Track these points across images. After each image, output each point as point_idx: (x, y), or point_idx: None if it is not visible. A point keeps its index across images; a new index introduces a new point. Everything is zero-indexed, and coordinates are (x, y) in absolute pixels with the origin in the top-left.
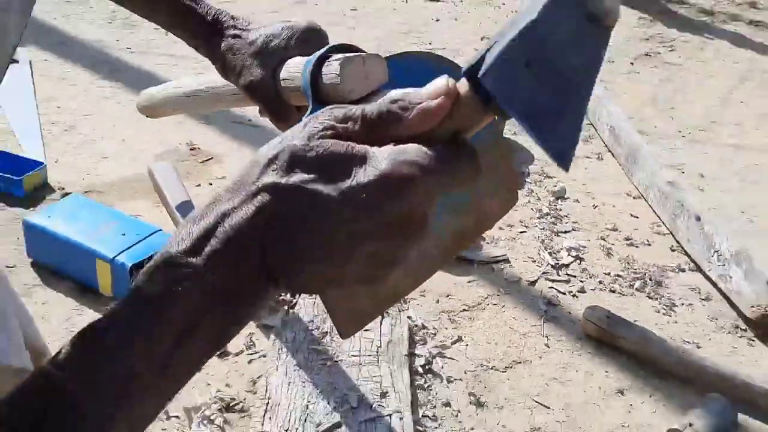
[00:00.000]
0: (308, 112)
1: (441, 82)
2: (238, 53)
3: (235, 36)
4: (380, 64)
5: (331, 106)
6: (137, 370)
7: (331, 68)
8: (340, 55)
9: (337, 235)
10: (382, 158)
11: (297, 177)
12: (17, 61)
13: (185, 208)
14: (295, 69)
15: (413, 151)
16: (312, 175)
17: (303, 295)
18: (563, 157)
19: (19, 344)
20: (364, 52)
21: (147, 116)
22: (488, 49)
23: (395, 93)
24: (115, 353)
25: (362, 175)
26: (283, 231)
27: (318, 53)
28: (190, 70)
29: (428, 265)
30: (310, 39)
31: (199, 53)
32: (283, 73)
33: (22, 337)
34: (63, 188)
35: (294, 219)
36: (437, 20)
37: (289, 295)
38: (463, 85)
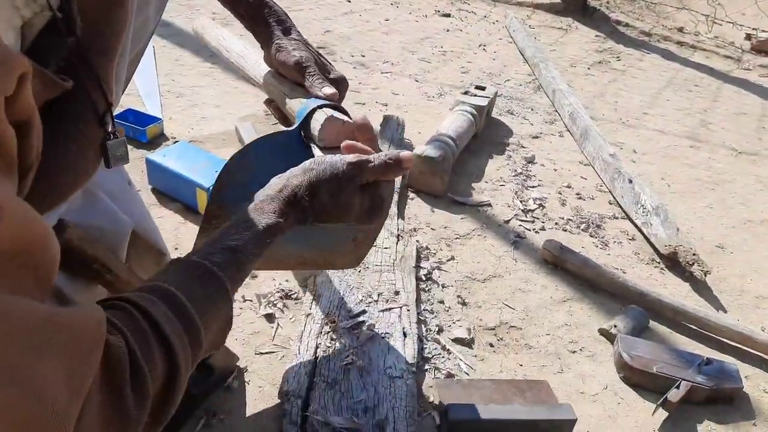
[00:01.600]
0: (292, 127)
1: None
2: (284, 50)
3: (280, 44)
4: (349, 133)
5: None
6: (249, 269)
7: (318, 118)
8: (330, 112)
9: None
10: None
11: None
12: None
13: None
14: (300, 106)
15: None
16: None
17: None
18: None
19: (156, 231)
20: (350, 119)
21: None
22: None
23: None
24: (246, 264)
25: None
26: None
27: (320, 102)
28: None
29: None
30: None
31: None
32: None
33: (157, 229)
34: (174, 137)
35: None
36: (447, 30)
37: None
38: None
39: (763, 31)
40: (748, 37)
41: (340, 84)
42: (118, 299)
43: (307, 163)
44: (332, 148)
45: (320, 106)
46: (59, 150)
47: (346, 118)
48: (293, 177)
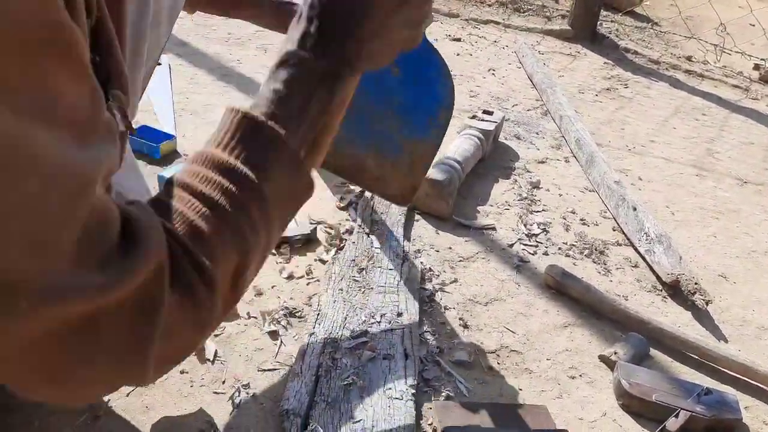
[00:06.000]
0: None
1: None
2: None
3: None
4: None
5: None
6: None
7: None
8: None
9: (385, 8)
10: None
11: None
12: (161, 64)
13: None
14: None
15: None
16: None
17: (347, 241)
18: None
19: None
20: None
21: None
22: None
23: None
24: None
25: None
26: (350, 18)
27: None
28: None
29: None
30: None
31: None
32: None
33: None
34: (187, 155)
35: (355, 7)
36: (457, 54)
37: (336, 239)
38: None
39: None
40: (757, 67)
41: None
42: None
43: None
44: None
45: None
46: None
47: None
48: None
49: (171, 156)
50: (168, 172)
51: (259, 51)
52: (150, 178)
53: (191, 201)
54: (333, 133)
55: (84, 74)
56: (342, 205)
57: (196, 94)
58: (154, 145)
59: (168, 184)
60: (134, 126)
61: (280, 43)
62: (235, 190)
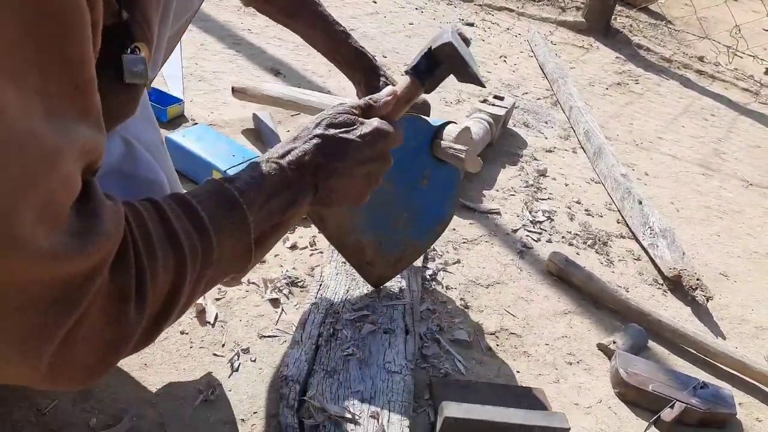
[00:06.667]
0: (433, 122)
1: (390, 89)
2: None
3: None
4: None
5: (341, 102)
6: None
7: (452, 128)
8: (460, 126)
9: (353, 159)
10: (372, 122)
11: (332, 130)
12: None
13: (275, 143)
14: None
15: (384, 121)
16: (340, 130)
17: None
18: (481, 82)
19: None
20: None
21: (237, 98)
22: (422, 54)
23: (374, 95)
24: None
25: (365, 128)
26: (325, 156)
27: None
28: (288, 51)
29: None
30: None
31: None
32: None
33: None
34: (194, 120)
35: (332, 150)
36: (470, 39)
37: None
38: (406, 79)
39: None
40: None
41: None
42: (145, 199)
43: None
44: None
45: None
46: None
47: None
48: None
49: (178, 120)
50: (175, 135)
51: (270, 22)
52: None
53: (153, 217)
54: (281, 236)
55: (74, 57)
56: None
57: (206, 60)
58: (162, 108)
59: (146, 200)
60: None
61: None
62: (191, 229)
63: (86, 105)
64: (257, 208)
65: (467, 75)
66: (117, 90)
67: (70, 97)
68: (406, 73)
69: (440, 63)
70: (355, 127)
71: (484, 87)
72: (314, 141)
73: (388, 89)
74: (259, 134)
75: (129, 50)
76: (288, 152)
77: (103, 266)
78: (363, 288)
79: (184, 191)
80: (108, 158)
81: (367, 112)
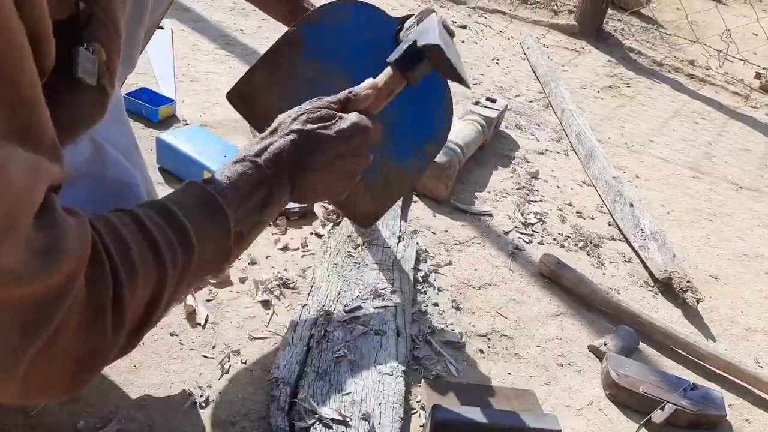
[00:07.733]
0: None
1: (370, 81)
2: None
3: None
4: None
5: (319, 97)
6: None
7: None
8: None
9: (329, 155)
10: (350, 117)
11: (310, 126)
12: (163, 28)
13: None
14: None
15: (362, 115)
16: (317, 125)
17: (344, 216)
18: (467, 84)
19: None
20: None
21: (231, 104)
22: (406, 47)
23: (354, 88)
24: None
25: (343, 123)
26: (302, 152)
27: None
28: None
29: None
30: None
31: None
32: None
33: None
34: (185, 120)
35: (309, 146)
36: (462, 41)
37: (333, 215)
38: (388, 71)
39: None
40: (758, 76)
41: None
42: (119, 210)
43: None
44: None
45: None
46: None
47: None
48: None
49: (169, 120)
50: (166, 135)
51: (263, 22)
52: (148, 140)
53: (132, 227)
54: (259, 233)
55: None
56: None
57: (198, 60)
58: (153, 108)
59: (120, 210)
60: (134, 88)
61: None
62: (174, 240)
63: (27, 125)
64: (235, 209)
65: (453, 76)
66: (81, 90)
67: (5, 117)
68: (389, 63)
69: (424, 57)
70: (333, 122)
71: (470, 89)
72: (290, 137)
73: (369, 82)
74: (251, 135)
75: (87, 48)
76: (265, 149)
77: (71, 283)
78: (355, 289)
79: (159, 196)
80: (75, 161)
81: (346, 105)
